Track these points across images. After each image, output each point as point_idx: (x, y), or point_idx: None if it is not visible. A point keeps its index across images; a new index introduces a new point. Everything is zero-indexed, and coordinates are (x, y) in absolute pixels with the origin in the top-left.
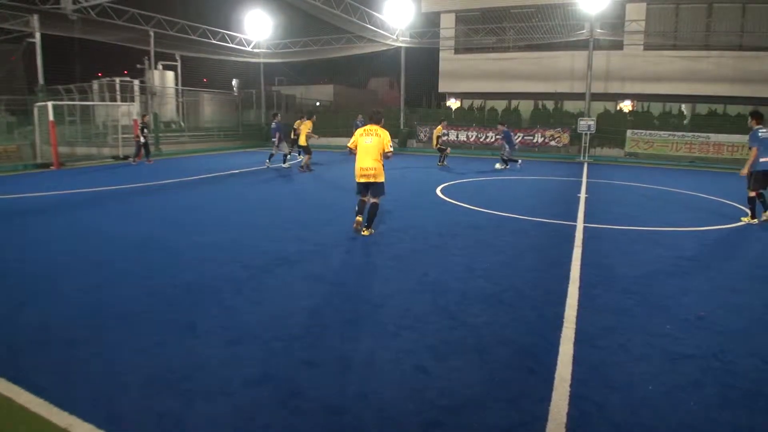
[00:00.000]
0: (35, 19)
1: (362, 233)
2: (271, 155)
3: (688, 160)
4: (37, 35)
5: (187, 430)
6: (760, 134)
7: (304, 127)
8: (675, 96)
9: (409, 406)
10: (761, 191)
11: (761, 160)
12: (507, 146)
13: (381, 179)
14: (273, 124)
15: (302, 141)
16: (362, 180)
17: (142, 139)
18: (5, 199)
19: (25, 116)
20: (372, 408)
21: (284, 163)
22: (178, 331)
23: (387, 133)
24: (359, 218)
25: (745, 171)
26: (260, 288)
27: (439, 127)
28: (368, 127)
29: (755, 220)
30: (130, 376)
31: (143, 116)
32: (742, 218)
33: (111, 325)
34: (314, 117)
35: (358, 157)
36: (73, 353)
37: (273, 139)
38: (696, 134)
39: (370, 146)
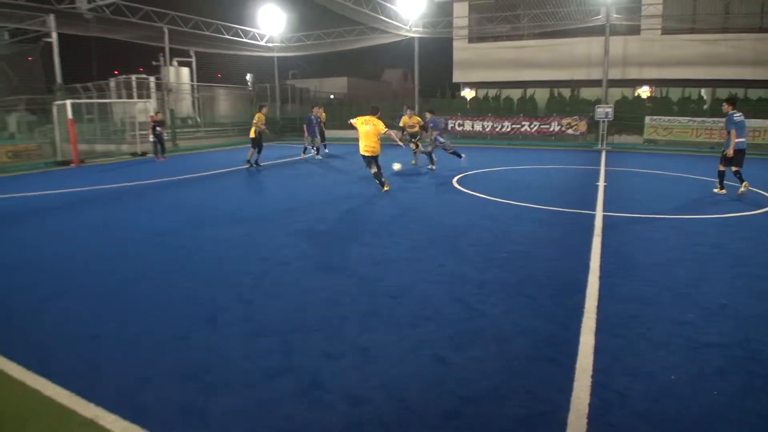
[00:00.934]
0: (51, 19)
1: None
2: (317, 149)
3: (709, 146)
4: (54, 35)
5: (209, 422)
6: (735, 118)
7: (256, 120)
8: (694, 81)
9: (429, 396)
10: (738, 168)
11: (737, 140)
12: (439, 137)
13: (378, 153)
14: (312, 117)
15: (251, 134)
16: (366, 154)
17: (151, 138)
18: (28, 197)
19: (45, 115)
20: (392, 398)
21: (303, 153)
22: (199, 325)
23: (381, 122)
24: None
25: (731, 152)
26: (278, 281)
27: (405, 117)
28: (367, 117)
29: (723, 190)
30: (154, 369)
31: (156, 113)
32: (714, 189)
33: (133, 318)
34: (265, 109)
35: (360, 139)
36: (97, 346)
37: (311, 134)
38: (716, 119)
39: (368, 132)
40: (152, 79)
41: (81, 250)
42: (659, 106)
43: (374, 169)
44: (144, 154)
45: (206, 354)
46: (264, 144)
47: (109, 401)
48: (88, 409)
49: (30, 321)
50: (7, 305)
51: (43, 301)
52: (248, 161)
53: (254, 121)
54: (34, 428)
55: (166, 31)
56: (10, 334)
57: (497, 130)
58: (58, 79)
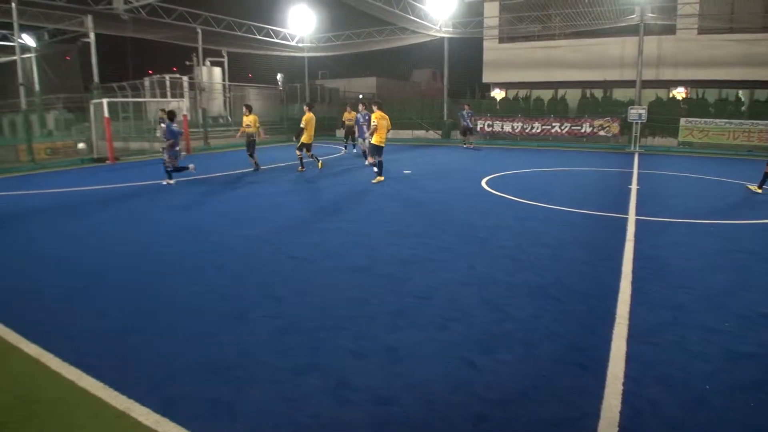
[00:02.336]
0: (89, 20)
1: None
2: (364, 152)
3: (746, 149)
4: (91, 35)
5: (238, 416)
6: None
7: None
8: (732, 82)
9: (457, 398)
10: None
11: None
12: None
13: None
14: (361, 116)
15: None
16: (382, 145)
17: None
18: (66, 192)
19: (82, 113)
20: (419, 399)
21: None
22: (228, 320)
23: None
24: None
25: None
26: (306, 279)
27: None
28: (382, 113)
29: (760, 189)
30: (184, 363)
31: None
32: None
33: (164, 313)
34: (246, 108)
35: (381, 132)
36: (129, 340)
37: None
38: (755, 122)
39: (384, 126)
40: (185, 78)
41: (115, 245)
42: (695, 107)
43: (380, 158)
44: None
45: (235, 349)
46: (291, 143)
47: (140, 394)
48: (121, 401)
49: (66, 313)
50: (46, 297)
51: (78, 293)
52: (256, 165)
53: (247, 123)
54: (70, 417)
55: (200, 31)
56: (48, 326)
57: (527, 131)
58: (95, 78)
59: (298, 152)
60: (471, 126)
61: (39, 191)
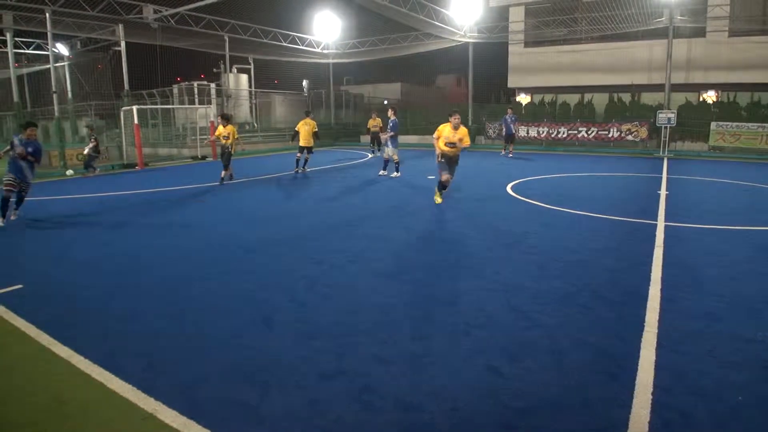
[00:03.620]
0: (120, 29)
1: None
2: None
3: None
4: (122, 44)
5: (263, 420)
6: None
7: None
8: (764, 85)
9: (482, 406)
10: None
11: None
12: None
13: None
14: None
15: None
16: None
17: (85, 150)
18: (97, 197)
19: (113, 120)
20: (444, 407)
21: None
22: (254, 325)
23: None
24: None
25: None
26: (332, 284)
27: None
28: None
29: None
30: (210, 367)
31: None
32: None
33: (191, 316)
34: (223, 119)
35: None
36: (158, 343)
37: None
38: None
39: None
40: (213, 85)
41: (143, 249)
42: (726, 111)
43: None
44: (204, 158)
45: (260, 353)
46: (322, 149)
47: (168, 396)
48: (149, 404)
49: (97, 315)
50: (77, 300)
51: (108, 297)
52: (230, 176)
53: (224, 135)
54: (99, 419)
55: (227, 39)
56: (78, 328)
57: (553, 136)
58: (126, 85)
59: (307, 155)
60: (513, 132)
61: (71, 196)
